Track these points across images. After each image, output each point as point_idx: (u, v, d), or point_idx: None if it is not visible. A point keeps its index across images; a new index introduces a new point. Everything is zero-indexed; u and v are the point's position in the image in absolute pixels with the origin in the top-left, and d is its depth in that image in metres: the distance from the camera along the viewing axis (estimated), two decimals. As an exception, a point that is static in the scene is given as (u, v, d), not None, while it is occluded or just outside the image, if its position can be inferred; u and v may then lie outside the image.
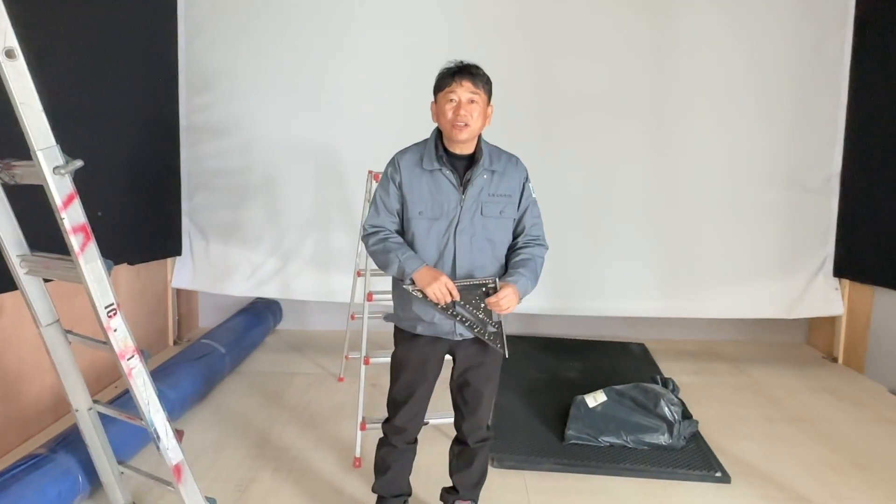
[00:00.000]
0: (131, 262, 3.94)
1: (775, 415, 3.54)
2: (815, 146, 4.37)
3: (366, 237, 2.05)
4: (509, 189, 2.02)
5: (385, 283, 3.72)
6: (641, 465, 2.83)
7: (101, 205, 3.45)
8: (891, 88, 3.97)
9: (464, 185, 1.97)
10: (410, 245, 2.00)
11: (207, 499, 2.14)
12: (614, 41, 4.31)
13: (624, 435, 2.98)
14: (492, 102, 1.99)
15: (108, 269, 1.84)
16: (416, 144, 2.07)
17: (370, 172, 3.35)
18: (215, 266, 4.50)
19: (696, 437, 3.09)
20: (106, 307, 1.84)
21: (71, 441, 2.38)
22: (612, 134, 4.36)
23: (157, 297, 4.38)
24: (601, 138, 4.35)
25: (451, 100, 1.93)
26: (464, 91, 1.92)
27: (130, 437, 2.57)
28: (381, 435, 2.28)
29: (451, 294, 1.89)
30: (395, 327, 2.18)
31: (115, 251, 1.94)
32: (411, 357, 2.12)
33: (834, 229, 4.42)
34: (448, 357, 2.19)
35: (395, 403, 2.19)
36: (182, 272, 4.52)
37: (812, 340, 4.95)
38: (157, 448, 2.01)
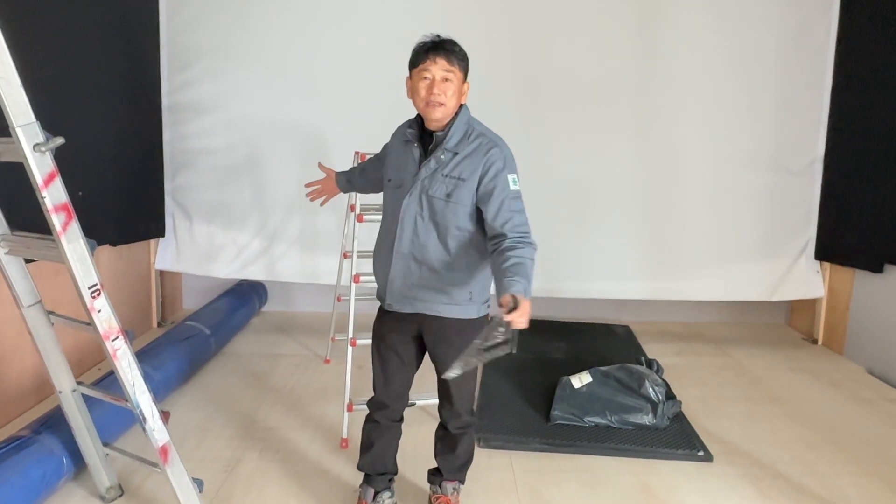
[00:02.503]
0: (113, 244, 3.89)
1: (757, 395, 3.60)
2: (799, 130, 4.39)
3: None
4: (465, 173, 1.90)
5: (370, 264, 3.71)
6: (626, 444, 2.87)
7: (82, 185, 3.40)
8: (874, 74, 4.00)
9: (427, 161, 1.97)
10: (382, 209, 2.15)
11: (194, 479, 2.14)
12: (601, 25, 4.28)
13: (609, 415, 3.02)
14: (468, 80, 1.95)
15: (92, 249, 1.82)
16: (408, 120, 2.11)
17: (357, 153, 3.32)
18: (199, 247, 4.45)
19: (680, 417, 3.14)
20: (89, 287, 1.82)
21: (55, 423, 2.35)
22: (599, 118, 4.35)
23: (140, 278, 4.34)
24: (587, 123, 4.34)
25: (425, 77, 1.89)
26: (438, 69, 1.88)
27: (115, 419, 2.55)
28: (367, 416, 2.28)
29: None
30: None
31: (97, 232, 1.91)
32: (382, 332, 2.16)
33: (816, 213, 4.46)
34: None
35: (375, 379, 2.21)
36: (165, 253, 4.47)
37: (793, 322, 5.02)
38: (143, 429, 2.00)
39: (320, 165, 2.58)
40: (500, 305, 1.66)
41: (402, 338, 2.13)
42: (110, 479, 2.35)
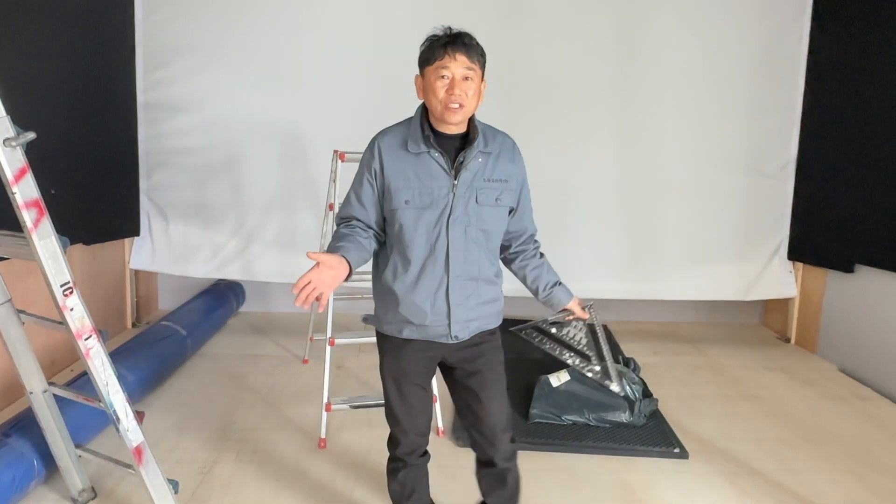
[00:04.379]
0: (87, 243, 3.82)
1: (732, 393, 3.65)
2: (773, 132, 4.47)
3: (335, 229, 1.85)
4: (506, 174, 1.77)
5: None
6: (603, 442, 2.89)
7: (54, 182, 3.33)
8: (846, 77, 4.09)
9: (456, 168, 1.71)
10: (398, 239, 1.74)
11: (169, 481, 2.11)
12: (580, 29, 4.32)
13: (587, 413, 3.04)
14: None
15: (64, 247, 1.78)
16: (398, 124, 1.80)
17: (336, 152, 3.31)
18: (175, 247, 4.40)
19: (656, 415, 3.17)
20: (62, 285, 1.78)
21: (25, 425, 2.31)
22: (577, 120, 4.38)
23: (114, 278, 4.26)
24: (565, 125, 4.38)
25: (443, 76, 1.64)
26: (458, 66, 1.64)
27: (88, 420, 2.51)
28: (391, 460, 2.01)
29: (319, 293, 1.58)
30: (378, 333, 1.89)
31: (70, 231, 1.87)
32: (402, 367, 1.84)
33: (789, 214, 4.54)
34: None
35: (396, 420, 1.91)
36: (140, 253, 4.40)
37: (767, 322, 5.10)
38: (117, 430, 1.96)
39: (310, 255, 1.62)
40: (565, 309, 1.99)
41: (426, 366, 1.87)
42: (83, 482, 2.30)
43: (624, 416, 3.03)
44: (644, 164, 4.44)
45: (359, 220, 1.78)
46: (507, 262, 1.99)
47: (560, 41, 4.30)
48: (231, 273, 4.42)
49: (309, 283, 1.57)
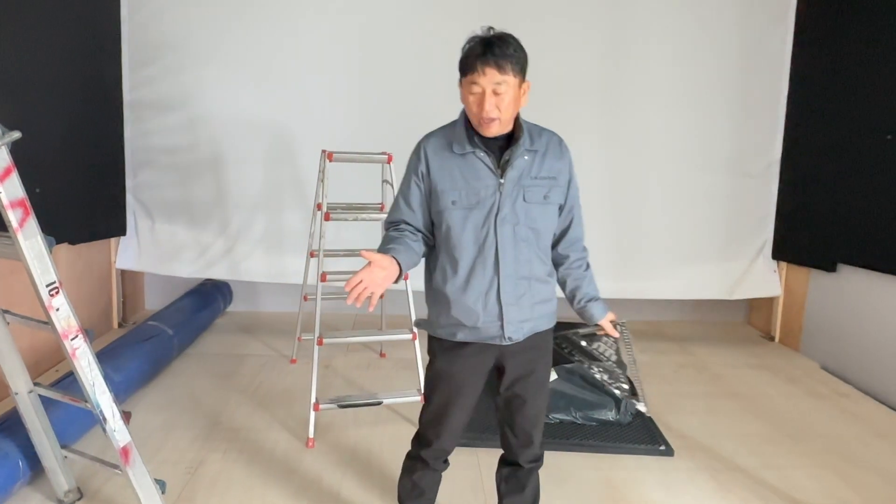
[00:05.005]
0: (72, 242, 3.79)
1: (716, 391, 3.69)
2: (757, 134, 4.53)
3: (383, 237, 1.82)
4: (553, 171, 1.76)
5: (337, 263, 3.70)
6: (590, 440, 2.91)
7: (40, 181, 3.31)
8: (828, 79, 4.14)
9: (502, 167, 1.70)
10: (446, 240, 1.74)
11: (156, 481, 2.11)
12: (566, 25, 4.34)
13: (573, 411, 3.06)
14: (528, 78, 1.69)
15: (50, 246, 1.77)
16: (442, 127, 1.80)
17: (324, 152, 3.31)
18: (162, 246, 4.38)
19: (642, 413, 3.20)
20: (47, 285, 1.78)
21: (10, 425, 2.29)
22: (563, 118, 4.36)
23: (100, 278, 4.24)
24: (551, 122, 4.35)
25: (475, 91, 1.63)
26: (488, 81, 1.60)
27: (74, 421, 2.50)
28: (411, 457, 2.00)
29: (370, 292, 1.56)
30: (430, 336, 1.88)
31: (55, 230, 1.86)
32: (454, 371, 1.82)
33: (773, 214, 4.60)
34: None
35: (436, 422, 1.88)
36: (126, 252, 4.38)
37: (752, 320, 5.16)
38: (104, 430, 1.96)
39: (364, 254, 1.61)
40: (596, 324, 1.93)
41: (477, 371, 1.84)
42: (69, 483, 2.29)
43: (610, 415, 3.06)
44: (630, 165, 4.47)
45: (407, 223, 1.79)
46: (558, 269, 1.94)
47: (546, 38, 4.32)
48: (218, 273, 4.40)
49: (360, 282, 1.55)
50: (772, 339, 4.73)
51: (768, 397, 3.61)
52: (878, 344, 3.74)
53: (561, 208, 1.82)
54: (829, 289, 4.21)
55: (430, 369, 1.89)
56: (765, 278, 4.63)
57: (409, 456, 2.01)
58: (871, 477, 2.72)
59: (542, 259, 1.80)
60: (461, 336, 1.78)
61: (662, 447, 2.89)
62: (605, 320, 1.95)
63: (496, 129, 1.67)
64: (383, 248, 1.70)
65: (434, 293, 1.82)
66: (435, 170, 1.73)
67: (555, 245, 1.88)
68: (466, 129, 1.72)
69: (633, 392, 3.18)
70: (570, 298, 1.95)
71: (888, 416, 3.40)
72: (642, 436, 2.98)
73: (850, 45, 3.96)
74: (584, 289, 1.92)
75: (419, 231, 1.79)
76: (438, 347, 1.86)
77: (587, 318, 1.95)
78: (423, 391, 1.96)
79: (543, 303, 1.81)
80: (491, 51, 1.59)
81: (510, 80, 1.61)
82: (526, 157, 1.72)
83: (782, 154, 4.53)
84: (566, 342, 3.47)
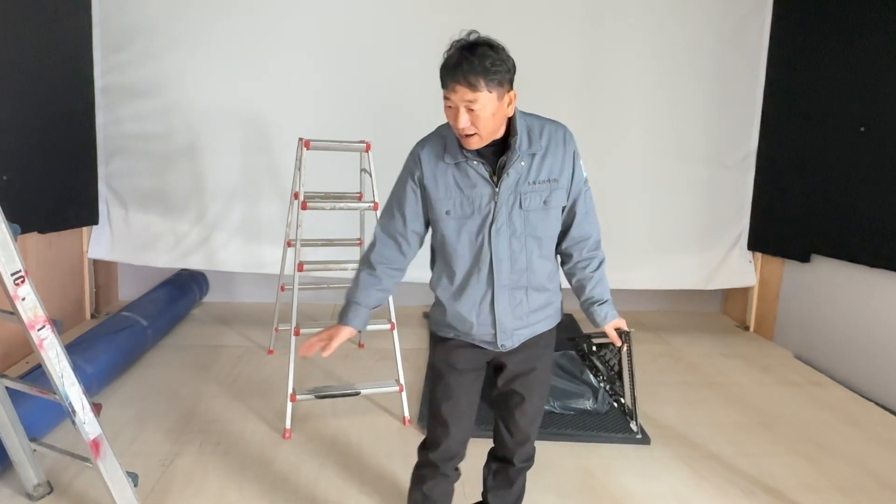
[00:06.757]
0: (42, 231, 3.71)
1: (692, 380, 3.74)
2: (734, 125, 4.56)
3: (371, 241, 1.79)
4: (554, 171, 1.67)
5: (314, 253, 3.65)
6: (568, 429, 2.93)
7: (7, 168, 3.23)
8: (804, 71, 4.18)
9: (497, 174, 1.63)
10: (441, 248, 1.71)
11: (129, 474, 2.07)
12: (545, 17, 4.33)
13: (551, 401, 3.07)
14: (513, 88, 1.58)
15: (15, 234, 1.72)
16: (436, 132, 1.71)
17: (301, 140, 3.26)
18: (136, 236, 4.30)
19: (620, 402, 3.22)
20: (13, 274, 1.73)
21: (-24, 418, 2.23)
22: (543, 109, 4.38)
23: (71, 268, 4.15)
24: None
25: (448, 106, 1.55)
26: (458, 98, 1.50)
27: (44, 413, 2.45)
28: (420, 466, 1.93)
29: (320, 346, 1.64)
30: (431, 331, 1.89)
31: (24, 218, 1.81)
32: (452, 360, 1.80)
33: (749, 205, 4.65)
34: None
35: (440, 419, 1.82)
36: (99, 242, 4.29)
37: (727, 310, 5.23)
38: (73, 423, 1.92)
39: (308, 352, 1.68)
40: (603, 330, 1.83)
41: (476, 365, 1.81)
42: (38, 476, 2.25)
43: (588, 404, 3.08)
44: (608, 157, 4.48)
45: (402, 235, 1.73)
46: (563, 266, 1.86)
47: (525, 30, 4.31)
48: (194, 263, 4.34)
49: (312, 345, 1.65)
50: (747, 328, 4.80)
51: (743, 386, 3.66)
52: (849, 333, 3.81)
53: (566, 210, 1.74)
54: (803, 279, 4.28)
55: (430, 361, 1.87)
56: (740, 269, 4.69)
57: (417, 466, 1.94)
58: (842, 464, 2.77)
59: (542, 267, 1.72)
60: (456, 335, 1.77)
61: (639, 435, 2.91)
62: (609, 327, 1.83)
63: (476, 143, 1.58)
64: (350, 299, 1.73)
65: (435, 294, 1.79)
66: (429, 178, 1.67)
67: (571, 253, 1.81)
68: (459, 137, 1.63)
69: (624, 411, 3.15)
70: (577, 297, 1.87)
71: (859, 403, 3.47)
72: (619, 424, 3.00)
73: (826, 38, 3.99)
74: (589, 291, 1.82)
75: (416, 234, 1.74)
76: (437, 341, 1.84)
77: (591, 322, 1.86)
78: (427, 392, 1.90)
79: (542, 309, 1.76)
80: (461, 67, 1.48)
81: (484, 96, 1.49)
82: (523, 163, 1.63)
83: (758, 145, 4.57)
84: (580, 348, 3.41)
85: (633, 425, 3.03)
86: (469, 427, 1.86)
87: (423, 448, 1.91)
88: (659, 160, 4.52)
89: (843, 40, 3.86)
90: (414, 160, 1.70)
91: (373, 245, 1.77)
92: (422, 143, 1.71)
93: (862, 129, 3.69)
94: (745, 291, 4.84)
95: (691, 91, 4.48)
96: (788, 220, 4.32)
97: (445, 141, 1.66)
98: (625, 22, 4.38)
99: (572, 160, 1.72)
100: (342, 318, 1.72)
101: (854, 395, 3.57)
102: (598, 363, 3.15)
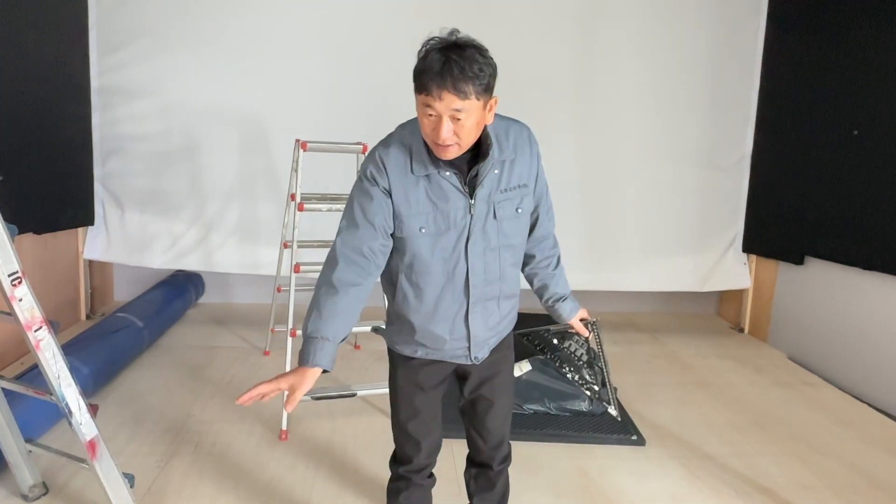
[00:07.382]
0: (38, 232, 3.70)
1: (687, 381, 3.75)
2: (729, 127, 4.59)
3: (328, 259, 1.57)
4: (524, 176, 1.59)
5: (311, 254, 3.66)
6: (563, 430, 2.94)
7: (2, 169, 3.22)
8: (798, 75, 4.21)
9: (469, 185, 1.52)
10: (408, 268, 1.57)
11: (125, 475, 2.07)
12: (541, 19, 4.34)
13: (547, 402, 3.09)
14: (495, 94, 1.45)
15: (12, 235, 1.72)
16: (398, 139, 1.54)
17: (297, 141, 3.27)
18: (131, 237, 4.29)
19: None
20: (10, 275, 1.73)
21: (-28, 419, 2.23)
22: (535, 113, 4.37)
23: (67, 269, 4.14)
24: (525, 116, 4.36)
25: (430, 114, 1.39)
26: (444, 107, 1.36)
27: (40, 414, 2.44)
28: (394, 479, 1.91)
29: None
30: (390, 350, 1.79)
31: (19, 219, 1.81)
32: (417, 381, 1.73)
33: (744, 207, 4.68)
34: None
35: (407, 436, 1.79)
36: (95, 243, 4.28)
37: (722, 312, 5.25)
38: (70, 424, 1.92)
39: (252, 399, 1.51)
40: (569, 323, 1.85)
41: (441, 380, 1.77)
42: (33, 477, 2.24)
43: (584, 405, 3.09)
44: (603, 158, 4.50)
45: (370, 250, 1.52)
46: (524, 267, 1.82)
47: (520, 33, 4.32)
48: (190, 264, 4.33)
49: (259, 393, 1.45)
50: (741, 330, 4.82)
51: (737, 387, 3.68)
52: (842, 335, 3.83)
53: (534, 211, 1.71)
54: (797, 281, 4.30)
55: (391, 380, 1.79)
56: (735, 271, 4.71)
57: (391, 479, 1.91)
58: (835, 464, 2.79)
59: (513, 274, 1.69)
60: (422, 354, 1.69)
61: (634, 437, 2.93)
62: (575, 319, 1.88)
63: (454, 154, 1.45)
64: (310, 333, 1.49)
65: (395, 314, 1.69)
66: (398, 190, 1.50)
67: (534, 254, 1.80)
68: (427, 146, 1.49)
69: (601, 396, 3.18)
70: (539, 296, 1.88)
71: (851, 404, 3.49)
72: (615, 426, 3.01)
73: (820, 42, 4.02)
74: (553, 288, 1.83)
75: (378, 257, 1.54)
76: (399, 359, 1.76)
77: (556, 318, 1.88)
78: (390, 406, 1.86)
79: (507, 315, 1.73)
80: (450, 71, 1.33)
81: (472, 104, 1.37)
82: (496, 171, 1.54)
83: (753, 148, 4.59)
84: (539, 339, 3.48)
85: (611, 410, 3.05)
86: (438, 437, 1.85)
87: (395, 462, 1.89)
88: (654, 162, 4.54)
89: (836, 44, 3.89)
90: (377, 167, 1.51)
91: (333, 264, 1.54)
92: (385, 148, 1.53)
93: (855, 132, 3.72)
94: (740, 293, 4.87)
95: (686, 93, 4.50)
96: (782, 222, 4.35)
97: (410, 150, 1.51)
98: (620, 25, 4.40)
99: (537, 161, 1.64)
100: (305, 358, 1.48)
101: (847, 396, 3.59)
102: (565, 354, 3.18)
